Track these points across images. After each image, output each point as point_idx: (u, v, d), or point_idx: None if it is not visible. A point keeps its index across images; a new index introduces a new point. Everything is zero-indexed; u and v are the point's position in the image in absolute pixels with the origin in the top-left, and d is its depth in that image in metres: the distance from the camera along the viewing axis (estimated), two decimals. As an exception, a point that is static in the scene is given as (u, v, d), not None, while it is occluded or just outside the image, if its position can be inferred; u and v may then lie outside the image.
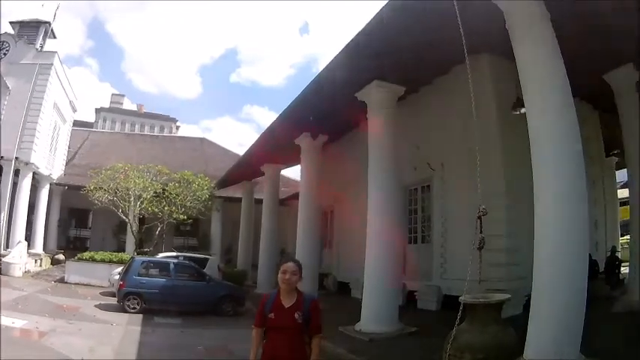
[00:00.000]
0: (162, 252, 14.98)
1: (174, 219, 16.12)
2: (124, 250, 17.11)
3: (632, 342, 5.79)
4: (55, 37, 19.60)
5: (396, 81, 8.32)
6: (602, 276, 10.89)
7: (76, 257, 15.20)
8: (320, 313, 3.37)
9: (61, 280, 14.45)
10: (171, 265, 10.77)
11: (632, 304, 7.81)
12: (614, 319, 7.53)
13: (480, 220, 4.29)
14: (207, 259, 13.94)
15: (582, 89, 9.67)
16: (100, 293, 12.26)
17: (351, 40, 7.12)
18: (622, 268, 11.34)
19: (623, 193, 13.37)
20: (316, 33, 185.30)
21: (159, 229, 15.97)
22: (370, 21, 6.63)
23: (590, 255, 10.46)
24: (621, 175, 13.58)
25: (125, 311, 9.69)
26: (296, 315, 3.20)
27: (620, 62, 8.28)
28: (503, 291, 6.90)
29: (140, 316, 9.46)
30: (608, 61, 8.27)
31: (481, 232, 4.28)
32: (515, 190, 6.37)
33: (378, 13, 6.41)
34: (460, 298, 4.35)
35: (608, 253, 11.38)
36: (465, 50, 4.70)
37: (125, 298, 9.92)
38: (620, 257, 11.77)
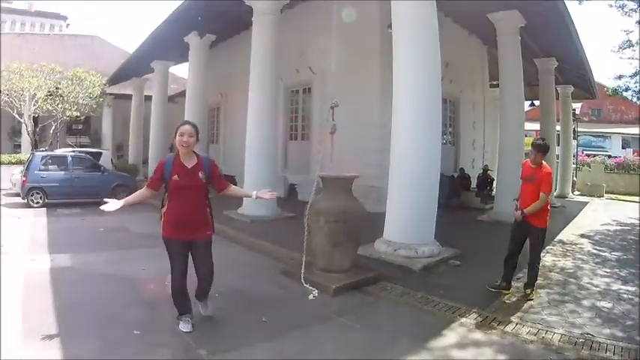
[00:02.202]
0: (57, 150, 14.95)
1: (68, 116, 16.69)
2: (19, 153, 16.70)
3: (487, 241, 7.13)
4: None
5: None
6: (474, 190, 12.60)
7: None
8: (219, 170, 3.59)
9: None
10: (69, 159, 11.22)
11: (496, 216, 9.09)
12: (478, 224, 9.00)
13: (333, 110, 5.09)
14: (101, 153, 14.34)
15: (471, 24, 10.71)
16: (4, 195, 12.06)
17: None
18: (494, 186, 13.18)
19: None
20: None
21: (53, 127, 16.69)
22: None
23: (462, 169, 12.29)
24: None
25: (30, 206, 10.20)
26: (200, 174, 3.27)
27: (507, 6, 8.91)
28: (377, 188, 8.14)
29: (44, 209, 10.04)
30: (494, 3, 8.91)
31: (333, 119, 5.10)
32: (390, 98, 7.19)
33: None
34: (317, 173, 5.07)
35: (481, 171, 12.82)
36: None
37: (29, 193, 10.35)
38: (492, 176, 13.14)
